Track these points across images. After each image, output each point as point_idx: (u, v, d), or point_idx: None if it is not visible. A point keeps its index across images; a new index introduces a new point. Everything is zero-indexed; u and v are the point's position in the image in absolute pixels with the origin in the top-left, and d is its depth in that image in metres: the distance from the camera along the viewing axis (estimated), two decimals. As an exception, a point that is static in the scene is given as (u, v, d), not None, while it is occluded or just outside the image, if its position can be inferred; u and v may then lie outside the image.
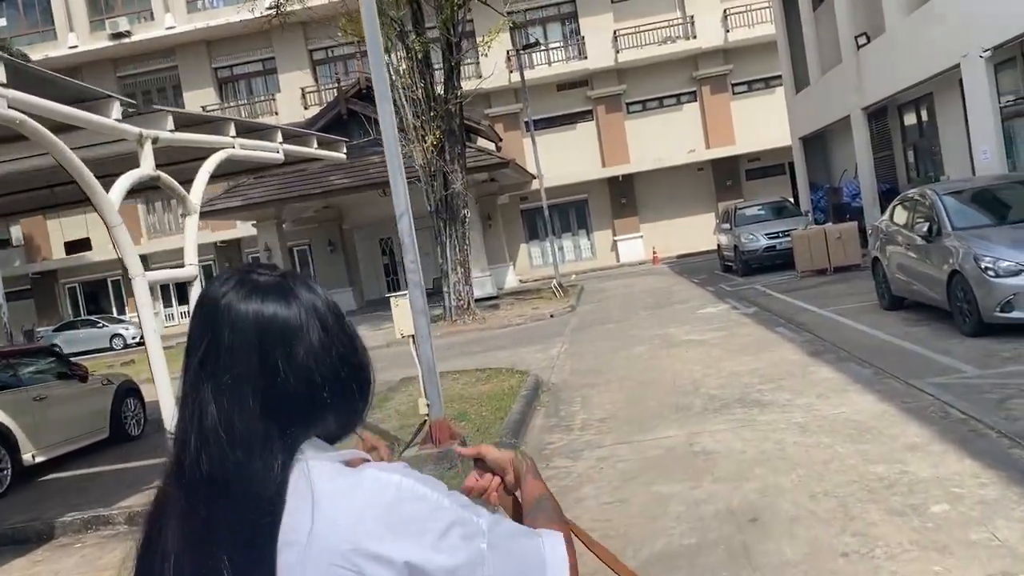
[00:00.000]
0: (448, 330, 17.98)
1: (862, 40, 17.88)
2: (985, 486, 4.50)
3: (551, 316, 17.95)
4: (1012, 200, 9.47)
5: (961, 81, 14.93)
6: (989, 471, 4.70)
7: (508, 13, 27.04)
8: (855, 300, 12.63)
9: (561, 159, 33.83)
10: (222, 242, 35.48)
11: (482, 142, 32.07)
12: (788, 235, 18.63)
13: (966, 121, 15.22)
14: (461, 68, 19.61)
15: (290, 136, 9.92)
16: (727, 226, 21.05)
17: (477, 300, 25.25)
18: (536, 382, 9.60)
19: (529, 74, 33.23)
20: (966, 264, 8.34)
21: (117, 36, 33.91)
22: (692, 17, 32.82)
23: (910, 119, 18.56)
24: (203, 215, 23.72)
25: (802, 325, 11.05)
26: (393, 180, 6.40)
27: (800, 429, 6.14)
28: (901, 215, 10.61)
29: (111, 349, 32.51)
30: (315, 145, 10.35)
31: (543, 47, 33.92)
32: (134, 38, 34.00)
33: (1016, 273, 7.88)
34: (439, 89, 19.34)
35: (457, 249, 19.33)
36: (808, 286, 15.63)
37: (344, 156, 10.64)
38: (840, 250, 16.77)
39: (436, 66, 19.52)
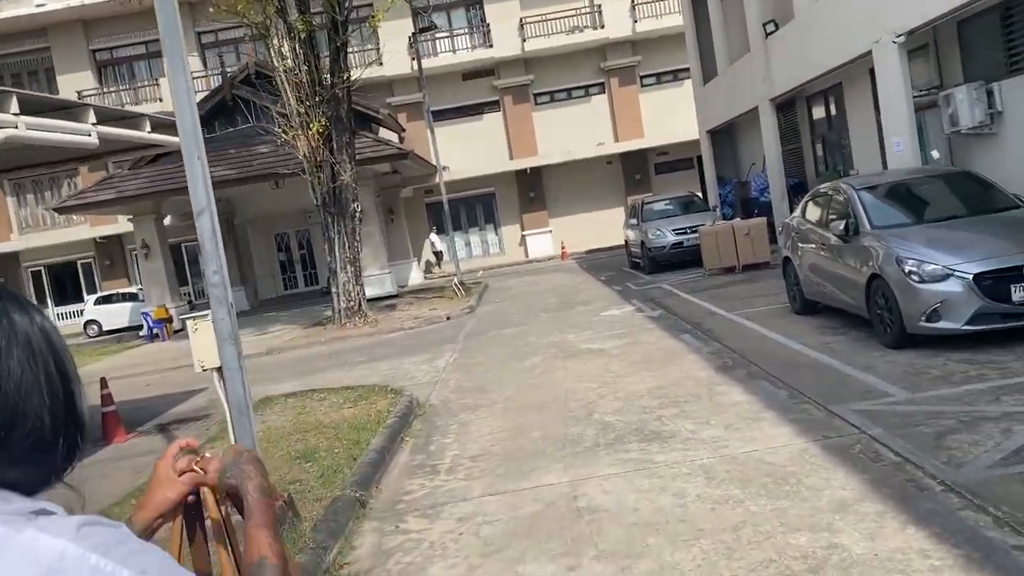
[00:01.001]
0: (335, 335, 16.49)
1: (770, 27, 17.18)
2: (938, 572, 3.44)
3: (447, 319, 16.66)
4: (931, 196, 8.67)
5: (872, 70, 14.29)
6: (940, 546, 3.65)
7: (426, 24, 25.65)
8: (765, 302, 11.77)
9: (467, 151, 32.54)
10: (102, 238, 32.83)
11: (384, 132, 30.53)
12: (696, 231, 17.84)
13: (876, 112, 14.59)
14: (349, 50, 18.00)
15: (113, 117, 8.33)
16: (634, 221, 20.18)
17: (376, 299, 23.81)
18: (410, 405, 8.30)
19: (433, 62, 31.86)
20: (887, 267, 7.44)
21: (-23, 13, 30.85)
22: (600, 6, 31.97)
23: (819, 111, 17.99)
24: (72, 209, 21.47)
25: (709, 332, 10.08)
26: (188, 161, 4.95)
27: (705, 475, 5.02)
28: (814, 212, 9.74)
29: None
30: (148, 129, 8.77)
31: (447, 33, 32.53)
32: (1, 16, 30.99)
33: (942, 278, 7.00)
34: (326, 74, 17.75)
35: (347, 246, 17.82)
36: (716, 285, 14.79)
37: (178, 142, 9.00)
38: (749, 247, 16.03)
39: (330, 55, 17.89)
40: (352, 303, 17.80)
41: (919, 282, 7.10)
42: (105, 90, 32.51)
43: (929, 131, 12.65)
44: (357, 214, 17.98)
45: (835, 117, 17.11)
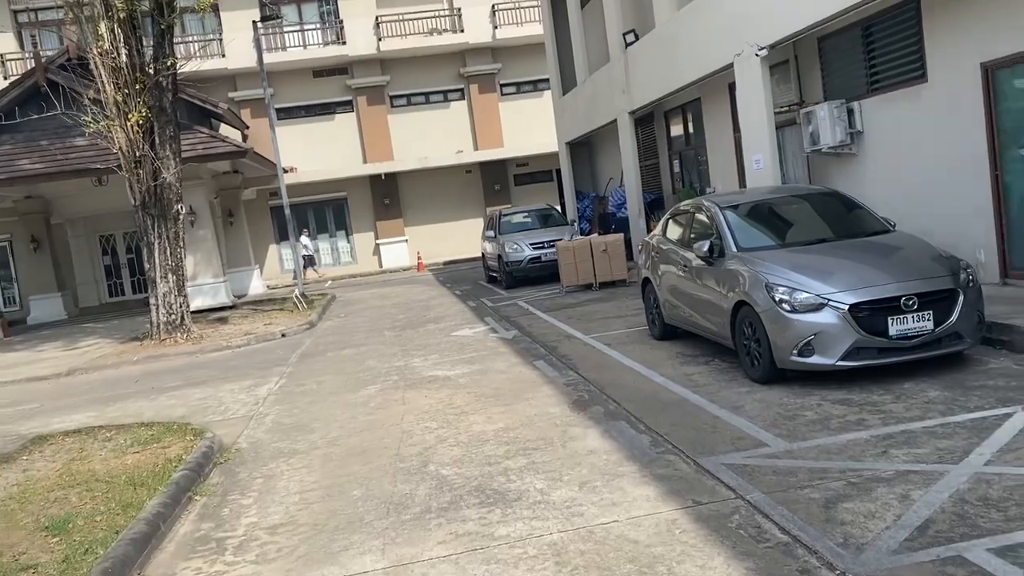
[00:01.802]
0: (150, 353, 14.57)
1: (630, 38, 16.71)
2: None
3: (282, 335, 15.11)
4: (799, 217, 8.12)
5: (732, 85, 13.98)
6: None
7: (269, 11, 23.75)
8: (623, 325, 11.05)
9: (318, 152, 30.82)
10: None
11: (226, 129, 28.34)
12: (554, 245, 17.11)
13: (735, 129, 14.33)
14: (182, 36, 16.10)
15: None
16: (492, 233, 19.26)
17: (207, 311, 21.75)
18: (210, 450, 6.88)
19: (282, 57, 30.03)
20: (755, 294, 6.74)
21: None
22: (459, 10, 31.06)
23: (677, 126, 17.70)
24: None
25: (565, 359, 9.19)
26: None
27: (556, 560, 4.00)
28: (675, 230, 9.04)
29: None
30: None
31: (296, 27, 30.69)
32: None
33: (816, 308, 6.35)
34: (150, 60, 15.79)
35: (168, 252, 15.89)
36: (573, 304, 14.04)
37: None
38: (606, 264, 15.41)
39: (154, 39, 15.90)
40: (174, 316, 15.89)
41: (790, 312, 6.43)
42: None
43: (787, 149, 12.38)
44: (181, 216, 16.09)
45: (693, 133, 16.84)
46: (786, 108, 11.98)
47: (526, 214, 20.01)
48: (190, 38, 29.81)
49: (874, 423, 5.44)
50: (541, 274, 17.84)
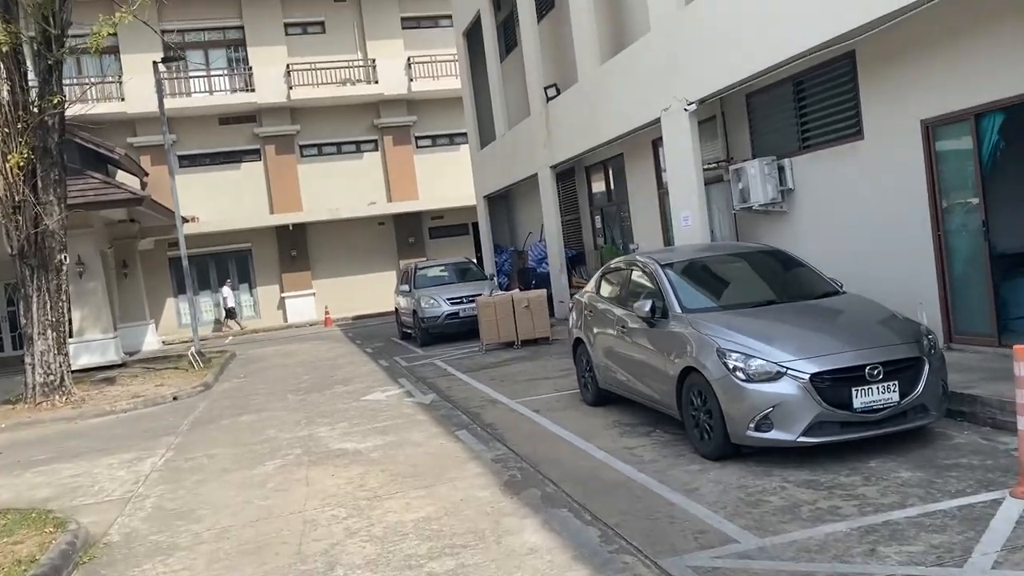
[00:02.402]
0: (22, 418, 12.98)
1: (551, 92, 16.39)
2: None
3: (174, 399, 13.75)
4: (743, 276, 7.61)
5: (655, 141, 13.73)
6: None
7: (164, 32, 22.63)
8: (551, 388, 10.32)
9: (222, 201, 29.42)
10: None
11: (124, 176, 26.74)
12: (473, 301, 16.36)
13: (659, 185, 14.03)
14: (74, 75, 14.85)
15: None
16: (406, 288, 18.38)
17: (95, 369, 20.01)
18: (70, 549, 5.73)
19: (186, 103, 28.77)
20: (706, 360, 6.12)
21: None
22: (374, 61, 30.51)
23: (599, 182, 17.38)
24: None
25: (491, 428, 8.36)
26: None
27: None
28: (609, 288, 8.43)
29: None
30: None
31: (203, 72, 29.52)
32: None
33: (774, 377, 5.77)
34: (34, 98, 14.49)
35: (48, 306, 14.38)
36: (495, 363, 13.26)
37: None
38: (528, 321, 14.73)
39: (40, 75, 14.59)
40: (52, 377, 14.32)
41: (745, 381, 5.82)
42: None
43: (713, 206, 12.05)
44: (64, 267, 14.65)
45: (615, 188, 16.52)
46: (713, 165, 11.68)
47: (443, 268, 19.24)
48: (87, 79, 28.26)
49: (850, 511, 4.82)
50: (459, 331, 17.05)
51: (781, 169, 10.29)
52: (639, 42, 12.35)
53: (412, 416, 9.61)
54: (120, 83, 28.29)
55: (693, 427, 6.39)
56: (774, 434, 5.73)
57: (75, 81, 28.09)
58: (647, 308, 6.96)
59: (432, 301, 17.01)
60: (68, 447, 10.37)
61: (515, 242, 22.81)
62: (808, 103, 10.11)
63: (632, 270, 7.94)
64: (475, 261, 21.47)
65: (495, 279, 19.57)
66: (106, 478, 8.28)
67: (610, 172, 16.55)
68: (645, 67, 12.12)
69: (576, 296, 9.41)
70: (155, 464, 8.66)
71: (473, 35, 21.80)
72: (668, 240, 13.78)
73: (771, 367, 5.78)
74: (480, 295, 16.48)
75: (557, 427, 7.98)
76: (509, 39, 20.65)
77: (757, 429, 5.76)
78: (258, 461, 8.18)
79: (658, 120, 11.96)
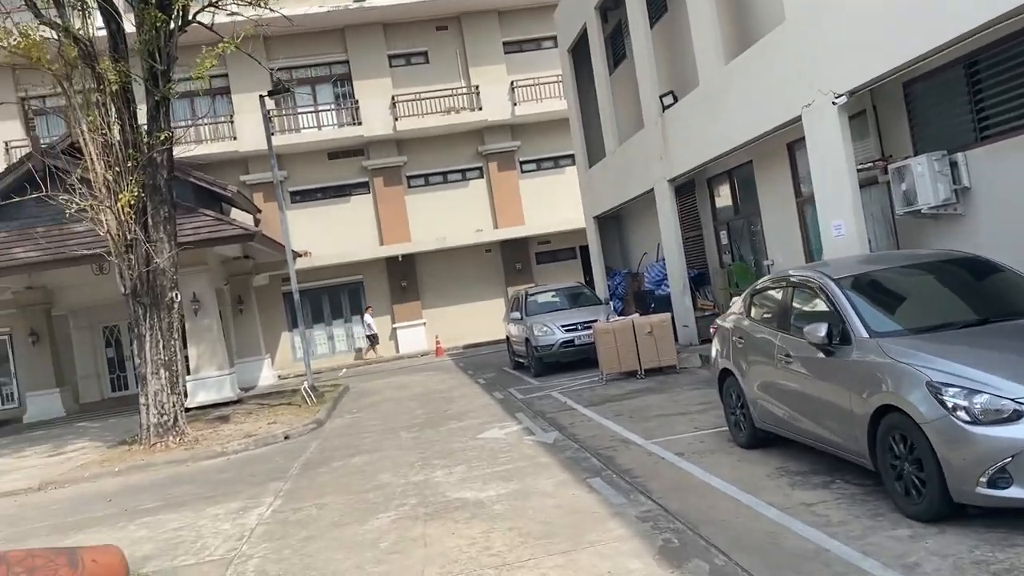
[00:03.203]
0: (136, 461, 12.71)
1: (667, 100, 15.29)
2: None
3: (285, 438, 13.24)
4: (934, 291, 6.28)
5: (791, 145, 12.41)
6: None
7: (273, 69, 22.78)
8: (690, 425, 9.13)
9: (333, 235, 29.47)
10: None
11: (237, 213, 27.14)
12: (589, 327, 15.33)
13: (796, 192, 12.68)
14: (171, 105, 14.80)
15: None
16: (517, 315, 17.50)
17: (211, 406, 19.99)
18: (160, 629, 5.00)
19: (296, 139, 29.04)
20: (911, 396, 4.88)
21: None
22: (477, 88, 30.09)
23: (723, 194, 16.08)
24: None
25: (629, 475, 7.27)
26: None
27: None
28: (763, 311, 7.23)
29: None
30: None
31: (311, 108, 29.80)
32: None
33: (1010, 417, 4.48)
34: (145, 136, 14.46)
35: (160, 346, 14.21)
36: (619, 395, 12.13)
37: None
38: (652, 348, 13.56)
39: (148, 112, 14.58)
40: (165, 417, 14.09)
41: (971, 423, 4.56)
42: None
43: (865, 212, 10.62)
44: (175, 305, 14.47)
45: (743, 200, 15.19)
46: (868, 165, 10.28)
47: (554, 293, 18.30)
48: (201, 121, 28.97)
49: None
50: (575, 359, 16.05)
51: (954, 165, 8.85)
52: (773, 33, 11.13)
53: (535, 458, 8.62)
54: (232, 122, 28.85)
55: (894, 480, 5.13)
56: (1014, 491, 4.43)
57: (189, 122, 28.89)
58: (822, 333, 5.74)
59: (545, 328, 16.05)
60: (176, 494, 9.88)
61: (628, 264, 21.65)
62: (986, 87, 8.66)
63: (793, 289, 6.73)
64: (588, 285, 20.38)
65: (611, 304, 18.44)
66: (210, 532, 7.63)
67: (736, 182, 15.25)
68: (780, 61, 10.88)
69: (719, 321, 8.24)
70: (261, 516, 7.96)
71: (579, 51, 20.95)
72: (810, 254, 12.40)
73: (1005, 404, 4.50)
74: (596, 321, 15.46)
75: (709, 475, 6.81)
76: (617, 51, 19.70)
77: (991, 485, 4.48)
78: (370, 513, 7.35)
79: (797, 119, 10.69)
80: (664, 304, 17.12)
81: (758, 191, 14.04)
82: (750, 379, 7.18)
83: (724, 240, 16.07)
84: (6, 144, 27.68)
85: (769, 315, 7.05)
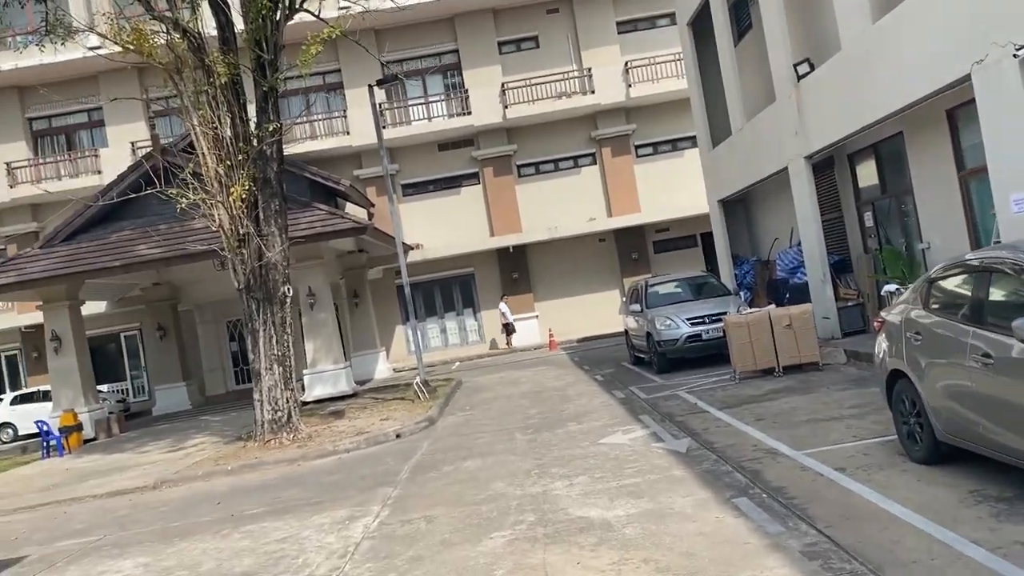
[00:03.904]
0: (248, 459, 12.48)
1: (803, 68, 13.89)
2: None
3: (397, 436, 12.74)
4: None
5: (951, 112, 10.89)
6: None
7: (383, 60, 22.53)
8: (846, 432, 7.94)
9: (444, 227, 29.12)
10: (28, 326, 28.82)
11: (352, 208, 27.18)
12: (718, 320, 14.16)
13: (958, 166, 11.13)
14: (278, 96, 14.53)
15: None
16: (637, 307, 16.46)
17: (326, 400, 19.90)
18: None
19: (406, 131, 28.82)
20: None
21: (-102, 77, 27.67)
22: (590, 70, 29.03)
23: (867, 170, 14.52)
24: None
25: (783, 495, 6.22)
26: None
27: None
28: (946, 300, 6.02)
29: None
30: None
31: (421, 100, 29.54)
32: (-79, 81, 27.84)
33: None
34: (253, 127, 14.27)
35: (274, 340, 14.00)
36: (755, 396, 10.97)
37: None
38: (791, 342, 12.28)
39: (256, 103, 14.36)
40: (280, 414, 13.89)
41: None
42: (41, 160, 29.13)
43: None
44: (288, 300, 14.21)
45: (891, 177, 13.64)
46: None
47: (677, 283, 17.13)
48: (316, 116, 29.19)
49: None
50: (701, 355, 14.91)
51: None
52: (934, -18, 9.70)
53: (667, 470, 7.65)
54: (345, 117, 28.91)
55: None
56: None
57: (304, 118, 29.14)
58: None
59: (669, 322, 14.95)
60: (283, 498, 9.44)
61: (757, 251, 20.19)
62: None
63: (990, 274, 5.51)
64: (714, 275, 19.07)
65: (742, 295, 17.13)
66: (313, 546, 7.06)
67: (883, 157, 13.71)
68: (942, 12, 9.44)
69: (885, 314, 7.02)
70: (368, 528, 7.34)
71: (700, 24, 19.62)
72: (976, 237, 10.85)
73: None
74: (725, 313, 14.26)
75: (884, 499, 5.68)
76: (742, 21, 18.31)
77: None
78: (483, 531, 6.59)
79: (964, 79, 9.25)
80: (800, 294, 15.72)
81: (910, 166, 12.49)
82: (930, 383, 5.98)
83: (868, 222, 14.52)
84: (132, 145, 28.64)
85: (956, 307, 5.83)
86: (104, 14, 13.89)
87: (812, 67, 13.69)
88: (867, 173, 14.43)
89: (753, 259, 19.82)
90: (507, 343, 28.47)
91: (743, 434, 8.70)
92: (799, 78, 13.97)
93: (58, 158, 29.33)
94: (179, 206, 13.60)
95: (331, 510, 8.36)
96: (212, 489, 10.92)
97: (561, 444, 9.81)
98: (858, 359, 12.43)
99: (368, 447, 12.33)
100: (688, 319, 14.77)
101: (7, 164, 28.40)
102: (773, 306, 13.73)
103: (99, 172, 28.20)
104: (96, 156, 28.86)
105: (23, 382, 29.40)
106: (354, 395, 20.39)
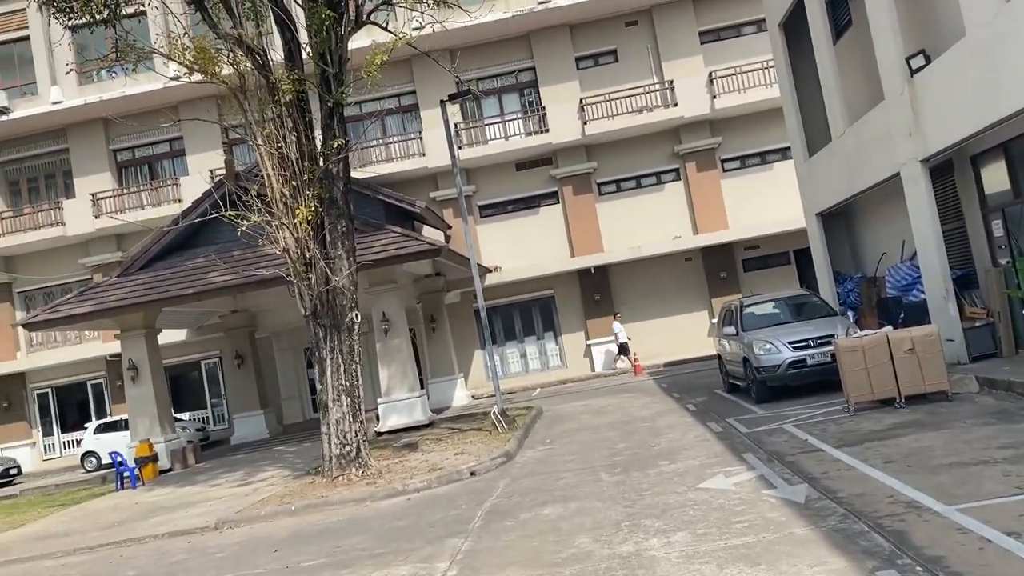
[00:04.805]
0: (313, 499, 11.66)
1: (917, 62, 12.44)
2: None
3: (472, 474, 11.72)
4: None
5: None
6: None
7: (457, 74, 21.90)
8: (1005, 481, 6.51)
9: (523, 249, 28.21)
10: (113, 355, 29.11)
11: (428, 230, 26.57)
12: (825, 343, 12.72)
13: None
14: (343, 112, 13.87)
15: None
16: (731, 330, 15.11)
17: (401, 430, 19.12)
18: None
19: (482, 151, 28.10)
20: None
21: (-7, 113, 28.54)
22: (671, 83, 27.79)
23: (995, 173, 12.87)
24: (42, 324, 17.25)
25: (942, 568, 4.90)
26: None
27: None
28: None
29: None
30: None
31: (497, 118, 28.82)
32: (15, 116, 28.62)
33: None
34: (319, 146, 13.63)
35: (342, 370, 13.24)
36: (877, 432, 9.52)
37: None
38: (914, 368, 10.76)
39: (321, 120, 13.74)
40: (348, 448, 13.08)
41: None
42: (124, 191, 29.57)
43: None
44: (356, 326, 13.44)
45: (1025, 179, 12.00)
46: None
47: (775, 303, 15.70)
48: (392, 138, 28.80)
49: None
50: (804, 383, 13.46)
51: None
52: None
53: (785, 527, 6.38)
54: (420, 139, 28.40)
55: None
56: None
57: (380, 141, 28.78)
58: None
59: (769, 346, 13.54)
60: (344, 548, 8.52)
61: (861, 267, 18.53)
62: None
63: None
64: (817, 294, 17.49)
65: (850, 316, 15.57)
66: (368, 614, 6.08)
67: (1015, 157, 12.08)
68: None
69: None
70: (431, 592, 6.33)
71: (792, 25, 18.24)
72: None
73: None
74: (832, 335, 12.82)
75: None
76: (840, 18, 16.86)
77: None
78: (565, 605, 5.48)
79: None
80: (916, 313, 14.11)
81: (1051, 164, 10.90)
82: None
83: (998, 231, 12.84)
84: (211, 172, 28.69)
85: None
86: (171, 35, 13.47)
87: (928, 59, 12.23)
88: (995, 176, 12.78)
89: (857, 276, 18.17)
90: (624, 363, 26.79)
91: (872, 480, 7.34)
92: (912, 72, 12.51)
93: (140, 187, 29.70)
94: (239, 229, 13.01)
95: (393, 565, 7.38)
96: (272, 533, 10.11)
97: (654, 488, 8.61)
98: (994, 387, 10.85)
99: (440, 486, 11.35)
100: (790, 343, 13.34)
101: (92, 195, 28.89)
102: (890, 327, 12.21)
103: (179, 200, 28.37)
104: (177, 184, 29.11)
105: (108, 410, 29.70)
106: (430, 425, 19.54)
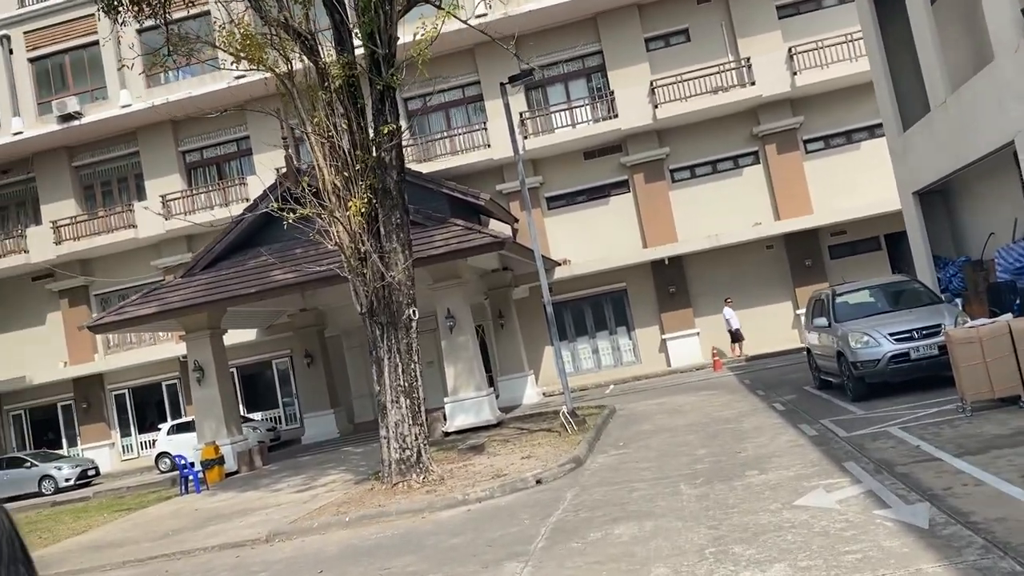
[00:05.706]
0: (369, 508, 10.92)
1: (1037, 13, 10.92)
2: None
3: (537, 482, 10.79)
4: None
5: None
6: None
7: (520, 59, 20.98)
8: None
9: (593, 241, 27.10)
10: (185, 356, 29.17)
11: (495, 224, 25.72)
12: (932, 334, 11.35)
13: None
14: (396, 95, 13.08)
15: None
16: (823, 321, 13.78)
17: (468, 431, 18.35)
18: None
19: (549, 140, 27.07)
20: None
21: (66, 118, 28.94)
22: (748, 60, 26.20)
23: None
24: (107, 327, 17.01)
25: None
26: None
27: None
28: None
29: (40, 494, 26.17)
30: None
31: (564, 105, 27.74)
32: (85, 120, 28.97)
33: None
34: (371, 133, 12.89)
35: (400, 370, 12.47)
36: (1005, 437, 8.18)
37: None
38: (1042, 363, 9.36)
39: (372, 104, 12.99)
40: (408, 452, 12.31)
41: None
42: (192, 192, 29.64)
43: None
44: (413, 323, 12.66)
45: None
46: None
47: (871, 292, 14.29)
48: (456, 131, 28.07)
49: None
50: (907, 379, 12.08)
51: None
52: None
53: (910, 561, 5.24)
54: (485, 130, 27.57)
55: None
56: None
57: (444, 134, 28.08)
58: None
59: (866, 338, 12.19)
60: (393, 571, 7.69)
61: (964, 250, 16.84)
62: None
63: None
64: (919, 280, 15.93)
65: (958, 303, 14.05)
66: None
67: None
68: None
69: None
70: (482, 633, 5.42)
71: (881, -13, 16.68)
72: None
73: None
74: (939, 325, 11.44)
75: None
76: (938, -25, 15.26)
77: None
78: (639, 659, 4.49)
79: None
80: (1034, 299, 12.54)
81: None
82: None
83: None
84: (277, 171, 28.44)
85: None
86: (220, 25, 12.94)
87: (1049, 9, 10.72)
88: None
89: (960, 259, 16.50)
90: (737, 351, 25.53)
91: (1010, 500, 6.11)
92: (1031, 25, 11.01)
93: (209, 188, 29.74)
94: (285, 222, 12.37)
95: (443, 595, 6.51)
96: (322, 548, 9.38)
97: (742, 504, 7.52)
98: None
99: (503, 495, 10.45)
100: (891, 334, 11.97)
101: (162, 197, 29.03)
102: (1009, 316, 10.75)
103: (247, 199, 28.16)
104: (244, 184, 29.00)
105: (182, 411, 29.86)
106: (498, 424, 18.72)
